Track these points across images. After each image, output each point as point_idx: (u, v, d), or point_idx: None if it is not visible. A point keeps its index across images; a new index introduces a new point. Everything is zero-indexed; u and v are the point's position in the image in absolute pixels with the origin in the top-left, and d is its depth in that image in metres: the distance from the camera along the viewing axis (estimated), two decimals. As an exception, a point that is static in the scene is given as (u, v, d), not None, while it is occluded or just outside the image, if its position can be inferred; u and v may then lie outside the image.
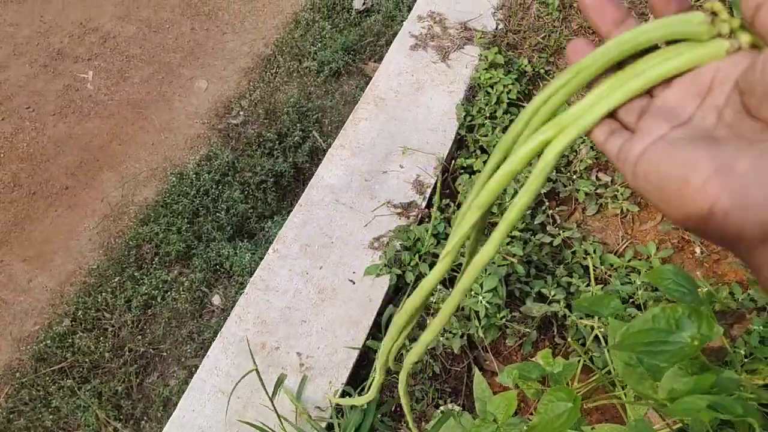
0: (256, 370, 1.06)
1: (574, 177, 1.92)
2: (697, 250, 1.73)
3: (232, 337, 1.51)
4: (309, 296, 1.61)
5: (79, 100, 2.59)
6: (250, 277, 1.73)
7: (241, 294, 1.67)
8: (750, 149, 0.28)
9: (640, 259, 1.74)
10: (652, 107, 0.35)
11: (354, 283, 1.64)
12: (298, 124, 2.50)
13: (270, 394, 1.17)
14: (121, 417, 1.86)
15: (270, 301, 1.58)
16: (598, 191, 1.90)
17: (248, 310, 1.57)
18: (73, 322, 2.05)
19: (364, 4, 2.97)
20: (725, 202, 0.28)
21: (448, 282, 1.71)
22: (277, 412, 1.19)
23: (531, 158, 0.38)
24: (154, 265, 2.16)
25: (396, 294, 1.72)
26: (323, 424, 1.36)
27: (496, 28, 2.39)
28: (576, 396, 1.09)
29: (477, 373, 1.46)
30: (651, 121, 0.34)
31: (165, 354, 2.01)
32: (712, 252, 1.74)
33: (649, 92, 0.36)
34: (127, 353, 1.98)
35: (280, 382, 1.23)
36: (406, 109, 2.02)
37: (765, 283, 0.29)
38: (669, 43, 0.34)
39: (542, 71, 2.28)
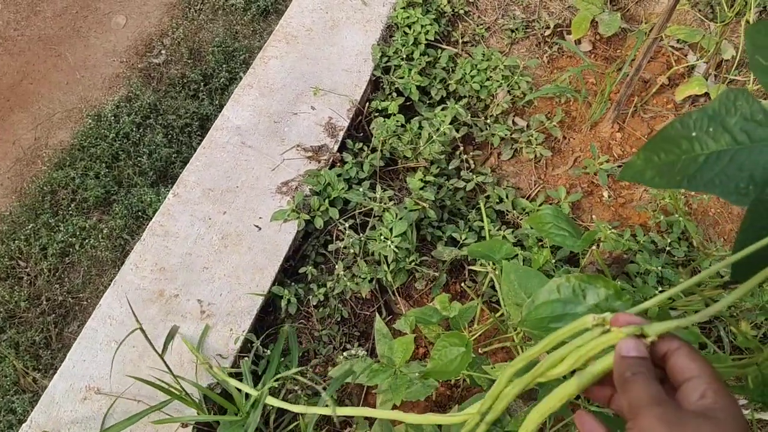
0: (141, 328, 1.02)
1: (490, 122, 1.87)
2: (605, 194, 1.73)
3: (127, 285, 1.47)
4: (212, 242, 1.57)
5: (-14, 35, 2.42)
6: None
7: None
8: None
9: (551, 203, 1.73)
10: None
11: (260, 228, 1.60)
12: (224, 65, 2.39)
13: (159, 351, 1.14)
14: (40, 367, 1.83)
15: (169, 248, 1.53)
16: (514, 136, 1.87)
17: (145, 257, 1.52)
18: (-15, 271, 1.98)
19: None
20: None
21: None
22: (168, 368, 1.16)
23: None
24: (71, 212, 2.08)
25: (305, 240, 1.68)
26: (224, 373, 1.35)
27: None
28: (468, 340, 1.09)
29: (377, 317, 1.46)
30: None
31: (85, 303, 1.97)
32: (619, 196, 1.73)
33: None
34: (44, 302, 1.93)
35: (170, 337, 1.19)
36: (319, 48, 1.92)
37: None
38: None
39: (462, 12, 2.17)
